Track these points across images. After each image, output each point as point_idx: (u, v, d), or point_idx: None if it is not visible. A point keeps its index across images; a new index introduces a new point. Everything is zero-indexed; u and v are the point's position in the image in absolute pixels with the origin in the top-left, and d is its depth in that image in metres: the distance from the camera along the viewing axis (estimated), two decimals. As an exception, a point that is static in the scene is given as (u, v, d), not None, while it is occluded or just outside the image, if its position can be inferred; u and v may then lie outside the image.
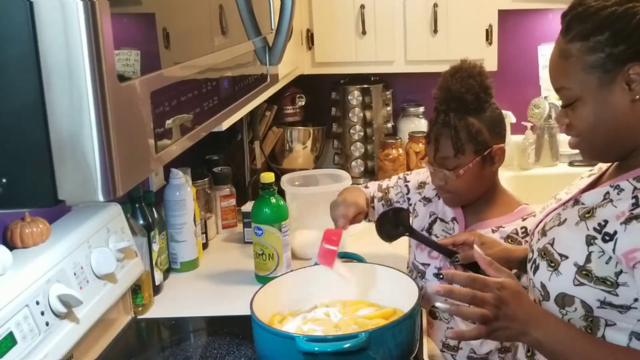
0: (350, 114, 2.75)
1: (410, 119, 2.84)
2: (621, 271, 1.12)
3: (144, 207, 1.76)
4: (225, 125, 1.65)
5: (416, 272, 1.77)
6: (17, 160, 0.72)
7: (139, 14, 0.88)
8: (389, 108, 2.81)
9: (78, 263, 1.38)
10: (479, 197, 1.71)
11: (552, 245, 1.23)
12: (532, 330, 1.15)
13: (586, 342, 1.16)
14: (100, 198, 0.74)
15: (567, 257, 1.19)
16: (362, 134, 2.76)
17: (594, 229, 1.17)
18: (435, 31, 2.48)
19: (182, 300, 1.81)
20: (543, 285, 1.22)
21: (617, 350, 1.15)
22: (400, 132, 2.84)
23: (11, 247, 1.30)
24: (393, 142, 2.67)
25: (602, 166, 1.33)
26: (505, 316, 1.15)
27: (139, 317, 1.70)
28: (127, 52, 0.80)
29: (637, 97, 1.14)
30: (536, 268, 1.24)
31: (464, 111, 1.60)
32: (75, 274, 1.36)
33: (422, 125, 2.80)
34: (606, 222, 1.16)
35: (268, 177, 1.86)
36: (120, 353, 1.55)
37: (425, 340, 1.61)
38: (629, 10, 1.13)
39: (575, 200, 1.27)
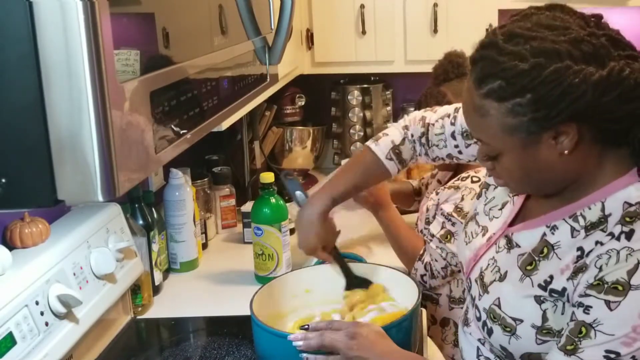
0: (350, 114, 2.75)
1: (410, 119, 2.84)
2: None
3: (143, 207, 1.76)
4: (225, 125, 1.65)
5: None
6: (16, 160, 0.72)
7: (138, 13, 0.88)
8: (388, 108, 2.82)
9: (77, 263, 1.37)
10: None
11: (499, 307, 1.15)
12: None
13: None
14: (100, 198, 0.74)
15: (522, 321, 1.11)
16: (362, 133, 2.76)
17: (539, 286, 1.10)
18: (435, 31, 2.48)
19: (181, 300, 1.80)
20: (504, 348, 1.15)
21: None
22: (400, 132, 2.83)
23: (10, 247, 1.30)
24: (393, 142, 2.67)
25: None
26: (360, 346, 1.23)
27: (139, 317, 1.70)
28: (126, 52, 0.80)
29: (566, 151, 1.04)
30: (490, 331, 1.16)
31: (434, 83, 1.92)
32: (74, 274, 1.35)
33: (422, 125, 2.80)
34: (552, 277, 1.09)
35: (268, 177, 1.86)
36: (120, 353, 1.55)
37: (425, 340, 1.61)
38: (553, 76, 0.99)
39: (508, 240, 1.19)
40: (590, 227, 1.08)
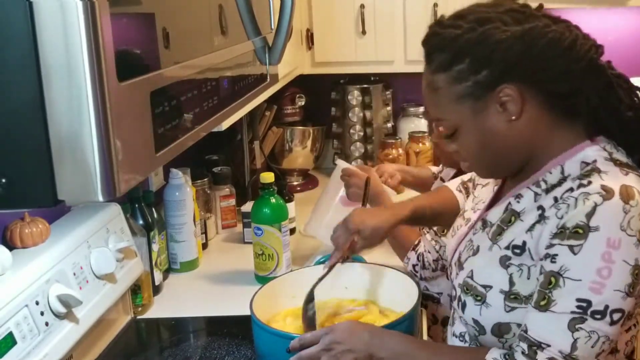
0: (350, 114, 2.75)
1: (410, 119, 2.84)
2: None
3: (143, 207, 1.76)
4: (225, 125, 1.65)
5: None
6: (16, 161, 0.72)
7: (138, 13, 0.88)
8: (388, 108, 2.81)
9: (77, 263, 1.37)
10: None
11: (471, 278, 1.19)
12: (376, 352, 1.21)
13: (428, 350, 1.24)
14: (100, 198, 0.74)
15: (490, 287, 1.15)
16: (362, 134, 2.76)
17: (505, 247, 1.15)
18: (435, 31, 2.48)
19: (181, 300, 1.80)
20: (476, 321, 1.18)
21: (456, 351, 1.22)
22: (400, 132, 2.83)
23: (11, 247, 1.30)
24: (393, 142, 2.67)
25: None
26: (345, 352, 1.22)
27: (139, 317, 1.70)
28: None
29: (513, 117, 1.11)
30: (464, 305, 1.20)
31: None
32: (74, 274, 1.36)
33: (422, 125, 2.80)
34: (514, 237, 1.14)
35: (268, 177, 1.86)
36: (120, 353, 1.55)
37: (425, 339, 1.61)
38: (483, 35, 1.09)
39: (483, 221, 1.24)
40: (550, 189, 1.13)
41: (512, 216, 1.17)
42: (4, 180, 0.72)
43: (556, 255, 1.05)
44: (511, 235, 1.15)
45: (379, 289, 1.60)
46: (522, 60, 1.09)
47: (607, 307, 1.03)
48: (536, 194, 1.15)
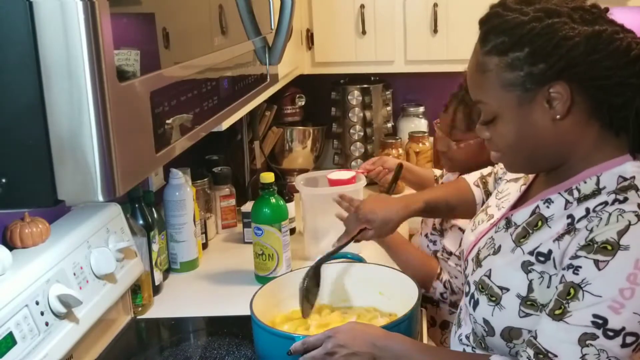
0: (350, 114, 2.75)
1: (410, 118, 2.84)
2: None
3: (143, 207, 1.76)
4: (225, 125, 1.65)
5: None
6: (16, 160, 0.72)
7: (138, 13, 0.88)
8: (388, 108, 2.82)
9: (78, 263, 1.37)
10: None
11: (489, 277, 1.16)
12: (379, 354, 1.22)
13: (430, 353, 1.25)
14: (100, 198, 0.73)
15: (507, 290, 1.12)
16: (362, 134, 2.76)
17: (529, 252, 1.11)
18: (435, 31, 2.48)
19: (181, 300, 1.81)
20: (486, 322, 1.15)
21: (458, 356, 1.23)
22: (400, 132, 2.84)
23: (11, 247, 1.30)
24: (393, 142, 2.67)
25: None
26: (349, 355, 1.23)
27: (139, 317, 1.70)
28: (126, 52, 0.80)
29: (559, 116, 1.07)
30: (476, 303, 1.17)
31: None
32: (74, 274, 1.36)
33: (422, 125, 2.80)
34: (540, 244, 1.11)
35: (268, 177, 1.86)
36: (120, 353, 1.55)
37: (425, 340, 1.61)
38: (549, 28, 1.05)
39: (507, 221, 1.21)
40: (583, 199, 1.10)
41: (539, 220, 1.14)
42: (4, 180, 0.72)
43: (579, 267, 1.02)
44: (537, 240, 1.12)
45: (379, 289, 1.60)
46: (582, 62, 1.05)
47: (623, 328, 0.99)
48: (567, 201, 1.11)
